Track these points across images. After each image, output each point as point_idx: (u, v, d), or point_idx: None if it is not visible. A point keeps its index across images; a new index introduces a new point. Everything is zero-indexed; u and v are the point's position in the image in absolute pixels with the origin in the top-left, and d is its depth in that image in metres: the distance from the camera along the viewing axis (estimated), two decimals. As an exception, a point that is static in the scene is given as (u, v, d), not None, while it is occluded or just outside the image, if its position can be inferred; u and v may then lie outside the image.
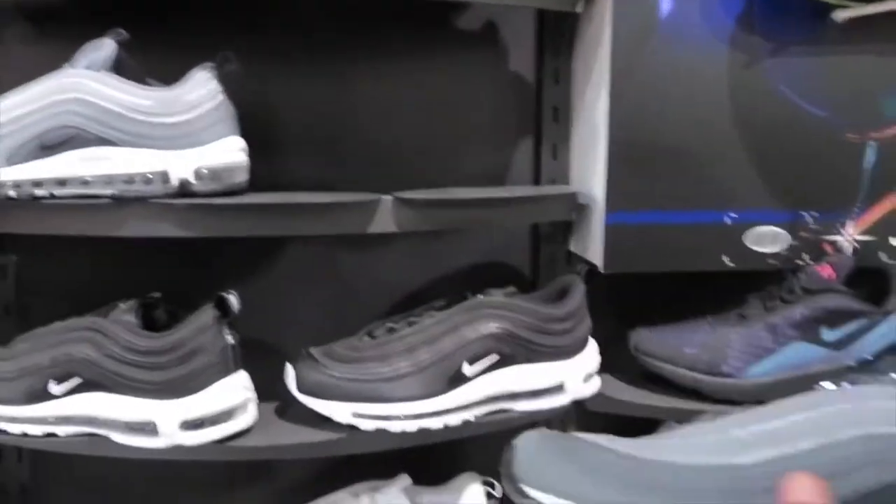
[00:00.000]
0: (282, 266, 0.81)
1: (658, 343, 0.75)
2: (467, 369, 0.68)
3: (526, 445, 0.32)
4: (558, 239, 0.83)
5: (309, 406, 0.67)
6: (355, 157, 0.79)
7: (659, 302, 0.81)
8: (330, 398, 0.66)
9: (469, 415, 0.69)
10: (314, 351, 0.69)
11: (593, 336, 0.77)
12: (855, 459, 0.27)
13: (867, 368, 0.71)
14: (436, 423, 0.67)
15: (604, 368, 0.81)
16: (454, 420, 0.68)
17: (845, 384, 0.31)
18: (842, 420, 0.28)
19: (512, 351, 0.69)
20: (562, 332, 0.71)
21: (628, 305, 0.83)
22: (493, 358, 0.68)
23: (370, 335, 0.71)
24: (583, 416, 0.84)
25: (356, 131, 0.79)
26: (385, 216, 0.67)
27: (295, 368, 0.68)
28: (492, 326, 0.69)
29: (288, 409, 0.71)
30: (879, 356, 0.70)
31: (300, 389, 0.67)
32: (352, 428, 0.67)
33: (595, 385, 0.74)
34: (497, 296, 0.71)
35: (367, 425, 0.66)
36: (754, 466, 0.28)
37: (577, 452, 0.31)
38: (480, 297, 0.71)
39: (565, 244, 0.83)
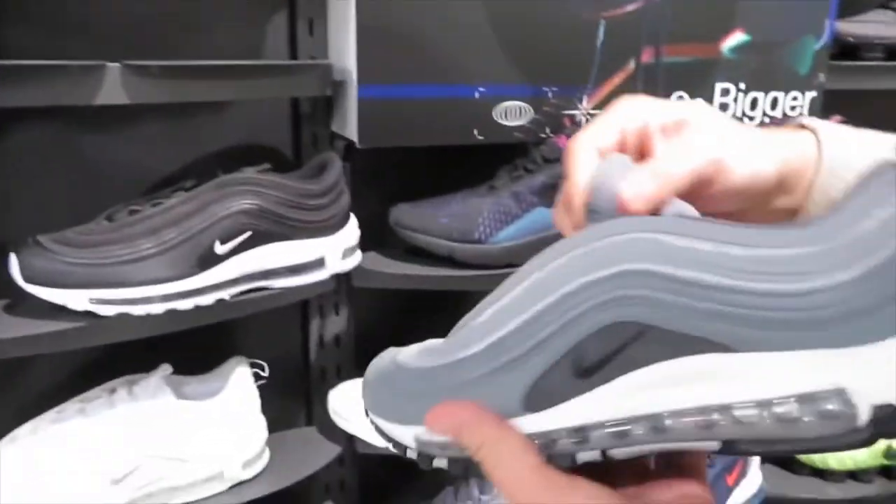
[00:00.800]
0: (5, 145, 0.71)
1: (415, 216, 0.78)
2: (219, 248, 0.66)
3: (367, 374, 0.32)
4: (319, 118, 0.82)
5: (39, 296, 0.62)
6: (90, 29, 0.71)
7: (420, 179, 0.84)
8: (63, 286, 0.61)
9: (223, 294, 0.67)
10: (42, 238, 0.63)
11: (359, 214, 0.78)
12: (587, 305, 0.25)
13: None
14: (185, 305, 0.64)
15: (370, 246, 0.83)
16: (206, 300, 0.66)
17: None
18: (569, 271, 0.26)
19: (267, 228, 0.68)
20: (319, 207, 0.71)
21: (392, 183, 0.85)
22: (247, 235, 0.67)
23: (109, 219, 0.66)
24: (351, 292, 0.87)
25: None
26: (114, 86, 0.61)
27: (18, 257, 0.61)
28: (244, 203, 0.67)
29: (18, 304, 0.65)
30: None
31: (27, 279, 0.61)
32: (91, 316, 0.62)
33: (355, 260, 0.76)
34: (250, 173, 0.69)
35: (107, 311, 0.62)
36: (473, 357, 0.27)
37: (390, 375, 0.30)
38: (233, 175, 0.68)
39: (328, 124, 0.82)
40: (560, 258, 0.26)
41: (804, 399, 0.23)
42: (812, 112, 0.89)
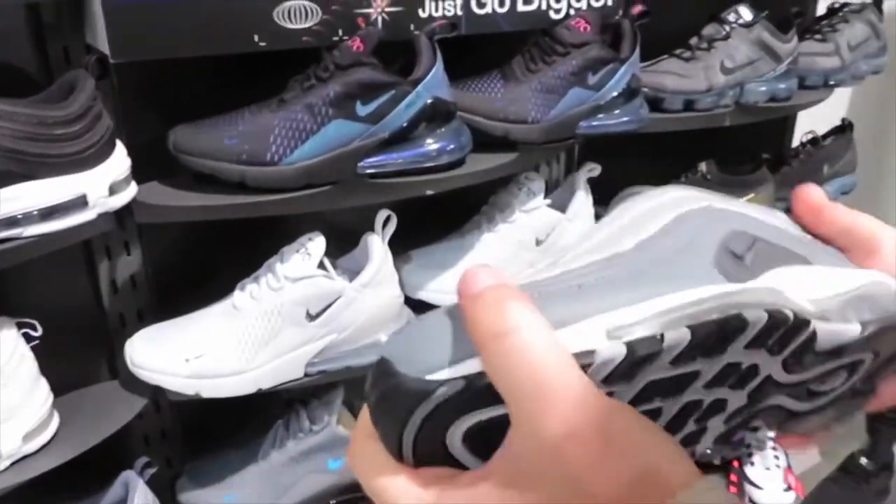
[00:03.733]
0: None
1: (197, 139, 0.69)
2: (-62, 196, 0.54)
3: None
4: (66, 29, 0.69)
5: None
6: None
7: (202, 95, 0.74)
8: None
9: (-45, 251, 0.56)
10: None
11: (131, 140, 0.68)
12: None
13: (402, 137, 0.74)
14: None
15: (151, 175, 0.73)
16: (-68, 261, 0.55)
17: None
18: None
19: (5, 167, 0.57)
20: (69, 137, 0.60)
21: (169, 102, 0.74)
22: (-25, 178, 0.55)
23: None
24: (141, 228, 0.77)
25: None
26: None
27: None
28: (-35, 139, 0.55)
29: None
30: (414, 124, 0.73)
31: None
32: None
33: (129, 194, 0.66)
34: (-30, 101, 0.56)
35: None
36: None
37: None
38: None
39: (81, 36, 0.69)
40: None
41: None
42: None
